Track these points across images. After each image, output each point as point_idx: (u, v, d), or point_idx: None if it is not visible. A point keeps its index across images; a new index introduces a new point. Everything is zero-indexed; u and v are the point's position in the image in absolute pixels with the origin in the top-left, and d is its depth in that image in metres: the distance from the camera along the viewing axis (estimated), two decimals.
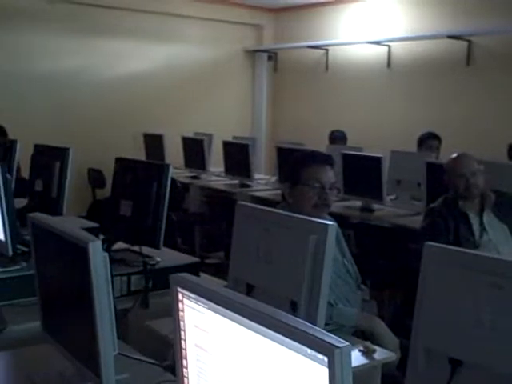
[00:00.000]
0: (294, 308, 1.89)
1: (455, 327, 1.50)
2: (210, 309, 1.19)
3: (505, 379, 1.42)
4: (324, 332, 0.97)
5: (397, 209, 4.73)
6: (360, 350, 2.04)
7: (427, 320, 1.57)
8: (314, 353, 0.95)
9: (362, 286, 2.66)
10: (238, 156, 5.94)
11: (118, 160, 2.98)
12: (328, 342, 0.94)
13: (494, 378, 1.44)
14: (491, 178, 3.80)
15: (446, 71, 6.67)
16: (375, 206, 4.72)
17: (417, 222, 3.85)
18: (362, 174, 4.73)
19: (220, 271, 3.97)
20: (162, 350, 1.97)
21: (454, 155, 3.53)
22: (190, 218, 5.85)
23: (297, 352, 0.98)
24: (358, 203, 4.82)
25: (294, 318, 1.02)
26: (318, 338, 0.95)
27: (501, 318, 1.42)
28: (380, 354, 2.04)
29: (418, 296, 1.61)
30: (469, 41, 6.47)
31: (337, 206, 4.82)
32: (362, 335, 2.32)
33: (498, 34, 6.23)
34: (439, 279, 1.56)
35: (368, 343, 2.06)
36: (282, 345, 1.01)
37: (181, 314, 1.28)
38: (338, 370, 0.93)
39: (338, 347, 0.93)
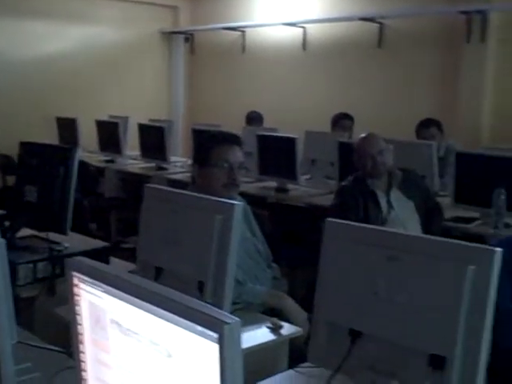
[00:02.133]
0: (201, 288, 1.90)
1: (355, 300, 1.55)
2: (105, 291, 1.17)
3: (401, 349, 1.47)
4: (213, 308, 0.97)
5: (311, 188, 4.81)
6: (268, 327, 2.07)
7: (328, 294, 1.61)
8: (204, 330, 0.96)
9: (273, 265, 2.70)
10: (153, 139, 5.87)
11: (23, 144, 2.88)
12: (217, 319, 0.95)
13: (390, 348, 1.49)
14: (400, 157, 3.93)
15: (359, 53, 6.80)
16: (290, 185, 4.78)
17: (330, 200, 3.92)
18: (277, 154, 4.78)
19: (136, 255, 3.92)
20: (68, 336, 1.93)
21: (362, 135, 3.62)
22: (105, 203, 5.74)
23: (188, 330, 0.98)
24: (274, 183, 4.87)
25: (183, 295, 1.02)
26: (207, 314, 0.96)
27: (397, 289, 1.47)
28: (287, 329, 2.08)
29: (319, 271, 1.65)
30: (380, 23, 6.61)
31: (252, 187, 4.86)
32: (272, 312, 2.35)
33: (408, 16, 6.39)
34: (339, 254, 1.60)
35: (275, 320, 2.10)
36: (174, 323, 1.00)
37: (77, 298, 1.26)
38: (227, 345, 0.94)
39: (227, 323, 0.94)
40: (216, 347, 0.94)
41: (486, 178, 3.66)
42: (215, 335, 0.94)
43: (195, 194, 2.11)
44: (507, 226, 3.43)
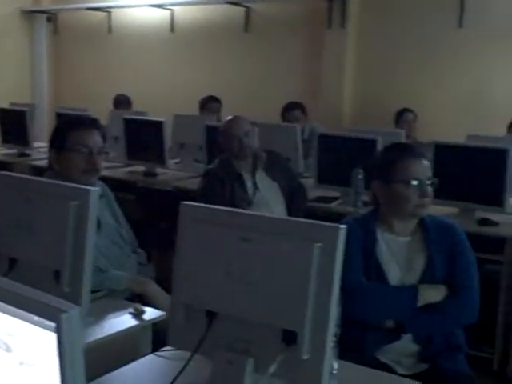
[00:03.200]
0: (57, 277, 1.84)
1: (210, 282, 1.57)
2: None
3: (256, 327, 1.51)
4: (52, 297, 0.95)
5: (180, 172, 4.80)
6: (130, 313, 2.05)
7: (185, 276, 1.62)
8: (41, 319, 0.93)
9: (138, 250, 2.67)
10: (14, 124, 5.58)
11: None
12: (54, 307, 0.93)
13: (246, 327, 1.53)
14: (265, 139, 4.02)
15: (227, 37, 6.83)
16: (159, 170, 4.74)
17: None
18: (145, 138, 4.71)
19: None
20: None
21: (228, 117, 3.67)
22: None
23: (25, 320, 0.95)
24: (142, 168, 4.81)
25: (20, 285, 0.98)
26: (44, 303, 0.94)
27: (250, 269, 1.50)
28: (150, 314, 2.07)
29: (176, 254, 1.65)
30: (246, 7, 6.67)
31: (120, 172, 4.78)
32: (140, 298, 2.34)
33: (273, 1, 6.52)
34: (194, 236, 1.61)
35: (138, 305, 2.08)
36: (11, 315, 0.97)
37: None
38: (66, 334, 0.92)
39: (65, 311, 0.92)
40: (54, 337, 0.92)
41: (346, 159, 3.82)
42: (53, 324, 0.92)
43: (49, 180, 2.03)
44: (365, 204, 3.60)
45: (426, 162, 2.21)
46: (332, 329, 1.45)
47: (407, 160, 2.18)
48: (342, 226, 1.43)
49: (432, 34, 5.66)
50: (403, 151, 2.24)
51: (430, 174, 2.20)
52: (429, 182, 2.18)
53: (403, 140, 4.25)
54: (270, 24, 6.56)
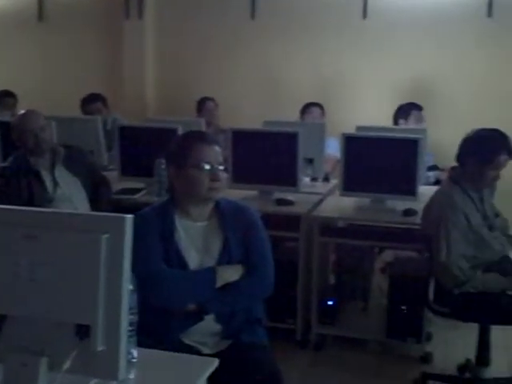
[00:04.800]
0: None
1: None
2: None
3: (48, 325, 1.48)
4: None
5: None
6: None
7: None
8: None
9: None
10: None
11: None
12: None
13: (38, 326, 1.49)
14: (65, 133, 3.90)
15: (19, 26, 6.41)
16: None
17: None
18: None
19: None
20: None
21: (21, 112, 3.52)
22: None
23: None
24: None
25: None
26: None
27: (38, 267, 1.46)
28: None
29: None
30: None
31: None
32: None
33: None
34: None
35: None
36: None
37: None
38: None
39: None
40: None
41: (148, 150, 3.84)
42: None
43: None
44: None
45: (217, 148, 2.29)
46: (126, 318, 1.46)
47: (199, 146, 2.25)
48: (128, 216, 1.44)
49: (227, 25, 5.85)
50: (195, 138, 2.32)
51: (221, 159, 2.29)
52: (221, 168, 2.27)
53: (203, 128, 4.36)
54: (65, 13, 6.31)
